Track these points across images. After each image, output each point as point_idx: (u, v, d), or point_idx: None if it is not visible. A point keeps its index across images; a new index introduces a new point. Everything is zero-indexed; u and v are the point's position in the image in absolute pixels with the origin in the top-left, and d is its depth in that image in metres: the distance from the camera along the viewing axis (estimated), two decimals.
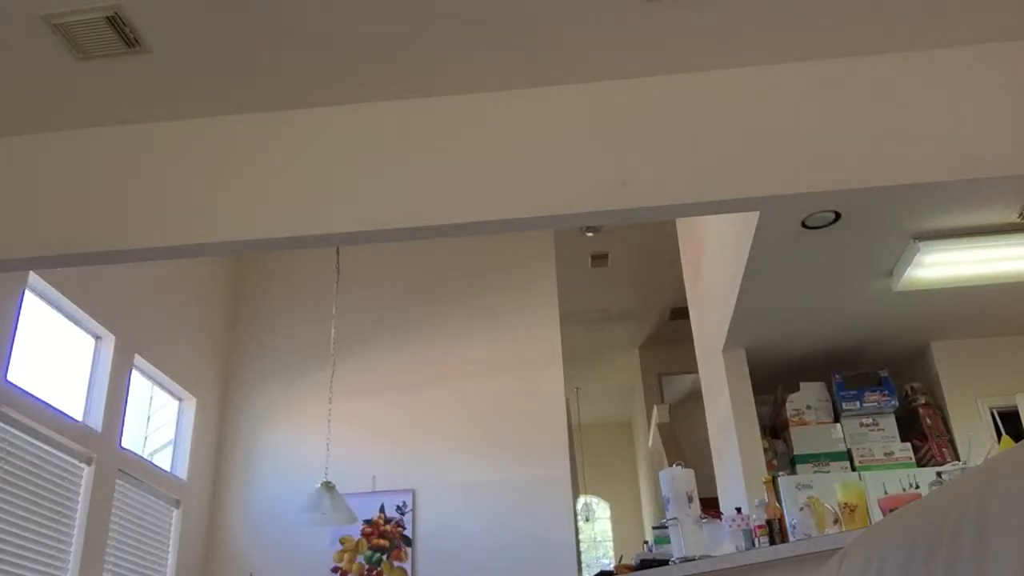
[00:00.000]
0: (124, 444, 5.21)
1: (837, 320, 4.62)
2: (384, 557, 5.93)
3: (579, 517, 9.24)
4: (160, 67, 2.98)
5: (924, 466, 4.68)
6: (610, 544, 11.90)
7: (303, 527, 6.03)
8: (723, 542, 3.28)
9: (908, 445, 4.78)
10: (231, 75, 3.04)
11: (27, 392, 4.31)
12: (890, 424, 4.85)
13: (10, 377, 4.19)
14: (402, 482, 6.16)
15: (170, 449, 5.97)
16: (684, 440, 8.21)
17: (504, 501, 6.02)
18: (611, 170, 2.99)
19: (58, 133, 3.30)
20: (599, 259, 7.86)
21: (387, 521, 6.03)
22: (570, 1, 2.76)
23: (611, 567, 3.71)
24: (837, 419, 4.90)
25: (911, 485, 4.47)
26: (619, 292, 8.59)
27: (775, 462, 4.86)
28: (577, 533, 6.49)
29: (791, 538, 3.13)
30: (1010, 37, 3.01)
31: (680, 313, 8.36)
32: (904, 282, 4.04)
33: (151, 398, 5.84)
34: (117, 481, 5.07)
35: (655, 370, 9.72)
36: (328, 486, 4.73)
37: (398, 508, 6.06)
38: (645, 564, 3.39)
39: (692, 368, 6.64)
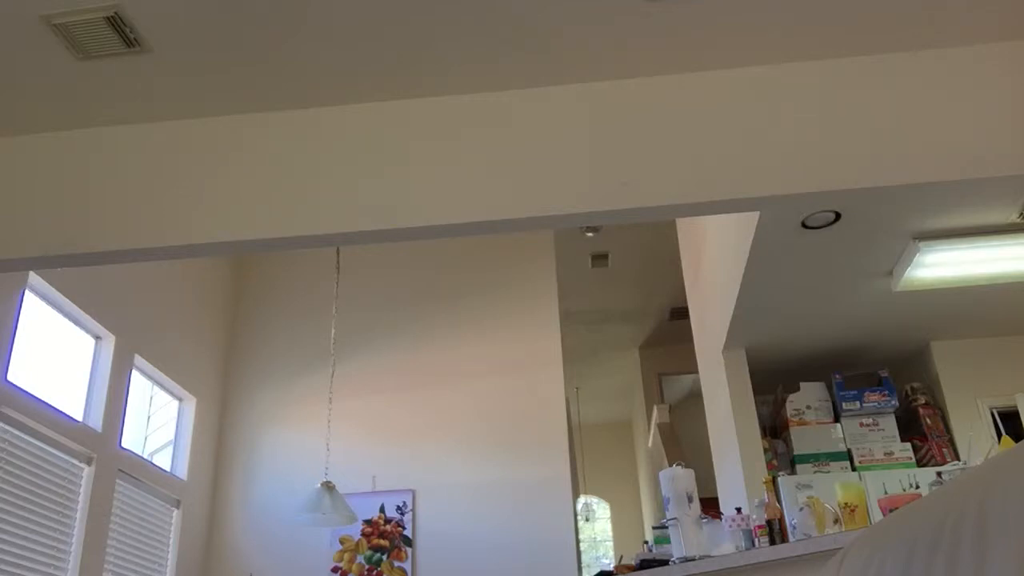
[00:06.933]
0: (124, 444, 5.21)
1: (837, 320, 4.62)
2: (384, 557, 5.93)
3: (579, 517, 9.23)
4: (160, 67, 2.98)
5: (924, 466, 4.67)
6: (610, 544, 11.90)
7: (303, 527, 6.03)
8: (723, 542, 3.28)
9: (908, 445, 4.78)
10: (231, 75, 3.04)
11: (27, 392, 4.31)
12: (890, 424, 4.85)
13: (10, 377, 4.19)
14: (402, 482, 6.16)
15: (170, 449, 5.97)
16: (684, 440, 8.21)
17: (504, 501, 6.01)
18: (611, 170, 2.99)
19: (58, 133, 3.30)
20: (599, 259, 7.86)
21: (387, 521, 6.03)
22: (570, 1, 2.76)
23: (611, 567, 3.71)
24: (837, 419, 4.89)
25: (911, 485, 4.47)
26: (619, 292, 8.59)
27: (775, 462, 4.86)
28: (577, 533, 6.49)
29: (791, 538, 3.13)
30: (1010, 37, 3.01)
31: (680, 313, 8.36)
32: (904, 282, 4.04)
33: (151, 398, 5.84)
34: (117, 481, 5.07)
35: (655, 370, 9.72)
36: (328, 486, 4.73)
37: (398, 508, 6.06)
38: (645, 564, 3.39)
39: (692, 368, 6.64)
